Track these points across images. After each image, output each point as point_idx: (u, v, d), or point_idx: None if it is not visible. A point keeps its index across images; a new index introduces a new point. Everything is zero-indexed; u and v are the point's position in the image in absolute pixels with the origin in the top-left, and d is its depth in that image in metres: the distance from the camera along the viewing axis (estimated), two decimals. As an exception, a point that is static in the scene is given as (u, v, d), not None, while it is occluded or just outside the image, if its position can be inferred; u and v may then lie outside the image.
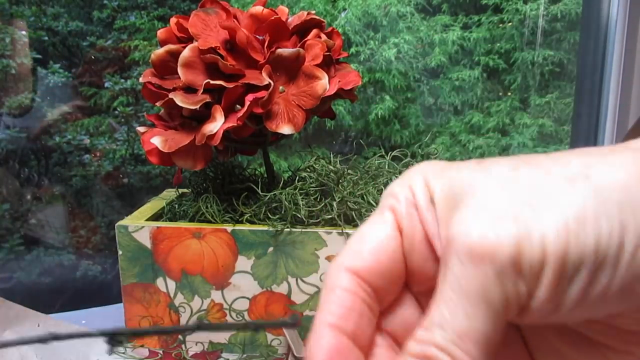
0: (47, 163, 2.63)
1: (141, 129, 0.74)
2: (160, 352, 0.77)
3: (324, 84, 0.71)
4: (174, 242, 0.74)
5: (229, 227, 0.73)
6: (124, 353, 0.76)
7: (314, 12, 0.77)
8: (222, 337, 0.77)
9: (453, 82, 3.09)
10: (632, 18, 1.53)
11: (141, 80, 0.73)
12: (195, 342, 0.78)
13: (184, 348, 0.78)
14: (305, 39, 0.74)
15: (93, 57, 2.82)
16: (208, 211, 0.75)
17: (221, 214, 0.75)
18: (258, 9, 0.73)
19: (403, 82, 3.09)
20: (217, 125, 0.67)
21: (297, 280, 0.73)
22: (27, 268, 2.41)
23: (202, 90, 0.68)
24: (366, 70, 3.09)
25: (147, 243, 0.75)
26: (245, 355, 0.77)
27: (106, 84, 2.78)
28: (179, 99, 0.67)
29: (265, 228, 0.73)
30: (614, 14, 1.60)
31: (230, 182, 0.80)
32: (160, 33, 0.73)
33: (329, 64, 0.75)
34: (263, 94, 0.68)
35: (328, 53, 0.74)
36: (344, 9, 3.11)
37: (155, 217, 0.80)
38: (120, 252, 0.75)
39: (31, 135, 2.54)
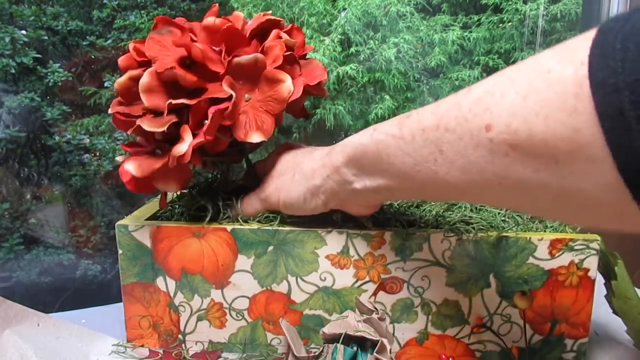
0: (47, 163, 2.63)
1: (120, 158, 0.74)
2: (161, 351, 0.77)
3: (288, 86, 0.70)
4: (174, 241, 0.74)
5: (229, 226, 0.73)
6: (124, 353, 0.76)
7: (269, 12, 0.76)
8: (221, 336, 0.77)
9: (453, 82, 3.09)
10: (632, 18, 1.53)
11: (110, 111, 0.73)
12: (195, 342, 0.78)
13: (184, 347, 0.78)
14: (265, 42, 0.74)
15: (93, 57, 2.82)
16: (206, 209, 0.75)
17: (220, 214, 0.76)
18: (210, 20, 0.71)
19: (403, 81, 3.09)
20: (185, 145, 0.66)
21: (297, 279, 0.73)
22: (26, 267, 2.41)
23: (167, 112, 0.68)
24: (366, 70, 3.09)
25: (147, 242, 0.75)
26: (245, 355, 0.77)
27: (106, 84, 2.78)
28: (146, 124, 0.67)
29: (265, 227, 0.73)
30: (614, 14, 1.60)
31: (226, 182, 0.80)
32: (121, 61, 0.72)
33: (292, 62, 0.75)
34: (226, 105, 0.67)
35: (290, 52, 0.74)
36: (344, 9, 3.11)
37: (155, 217, 0.79)
38: (120, 252, 0.75)
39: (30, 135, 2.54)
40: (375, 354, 0.61)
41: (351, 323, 0.64)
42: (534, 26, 3.02)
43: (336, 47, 3.07)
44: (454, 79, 3.09)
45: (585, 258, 0.69)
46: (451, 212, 0.75)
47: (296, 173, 0.70)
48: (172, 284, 0.76)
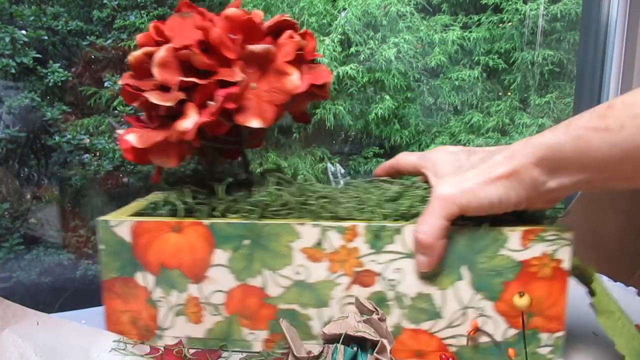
0: (47, 163, 2.64)
1: (120, 131, 0.74)
2: (162, 348, 0.77)
3: (294, 80, 0.71)
4: (153, 236, 0.74)
5: (207, 221, 0.73)
6: (124, 350, 0.76)
7: (288, 15, 0.77)
8: (198, 331, 0.77)
9: (453, 82, 3.09)
10: (632, 18, 1.53)
11: (119, 82, 0.73)
12: (173, 337, 0.77)
13: (184, 346, 0.78)
14: (278, 40, 0.75)
15: (93, 57, 2.83)
16: (181, 201, 0.75)
17: (197, 207, 0.75)
18: (232, 10, 0.73)
19: (403, 81, 3.09)
20: (190, 121, 0.67)
21: (272, 273, 0.73)
22: (26, 267, 2.42)
23: (176, 89, 0.69)
24: (366, 70, 3.09)
25: (128, 237, 0.74)
26: (244, 355, 0.76)
27: (106, 84, 2.79)
28: (154, 97, 0.68)
29: (243, 221, 0.73)
30: (614, 14, 1.59)
31: (211, 178, 0.80)
32: (140, 37, 0.73)
33: (300, 62, 0.76)
34: (235, 89, 0.68)
35: (300, 52, 0.75)
36: (344, 9, 3.12)
37: (137, 214, 0.79)
38: (101, 247, 0.75)
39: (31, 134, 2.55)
40: (375, 354, 0.61)
41: (351, 323, 0.64)
42: (534, 26, 3.02)
43: (336, 47, 3.08)
44: (454, 79, 3.10)
45: (557, 249, 0.68)
46: (423, 205, 0.75)
47: (478, 180, 0.66)
48: (151, 279, 0.75)
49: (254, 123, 0.70)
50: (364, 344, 0.62)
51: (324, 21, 3.13)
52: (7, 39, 2.55)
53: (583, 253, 1.05)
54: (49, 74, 2.68)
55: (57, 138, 2.62)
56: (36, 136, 2.64)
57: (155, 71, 0.69)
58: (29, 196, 2.64)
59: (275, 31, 0.76)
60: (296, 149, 3.10)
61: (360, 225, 0.71)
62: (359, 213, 0.73)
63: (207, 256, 0.74)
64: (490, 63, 3.07)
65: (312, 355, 0.64)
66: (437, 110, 3.19)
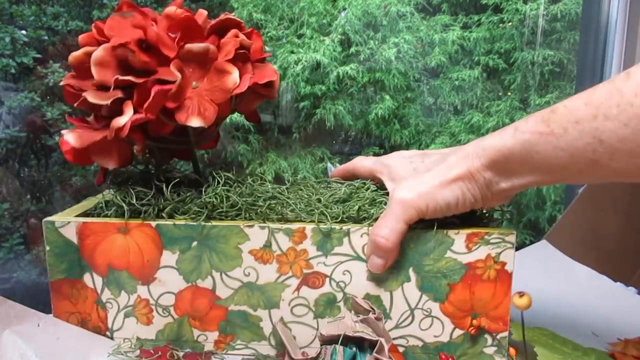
0: (47, 163, 2.64)
1: (65, 132, 0.74)
2: (158, 354, 0.77)
3: (234, 78, 0.71)
4: (100, 237, 0.74)
5: (153, 222, 0.73)
6: (122, 355, 0.76)
7: (232, 13, 0.77)
8: (149, 333, 0.77)
9: (453, 81, 3.08)
10: (632, 18, 1.53)
11: (61, 83, 0.73)
12: (123, 339, 0.77)
13: (175, 347, 0.78)
14: (222, 39, 0.75)
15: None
16: (125, 202, 0.75)
17: (144, 207, 0.75)
18: (171, 9, 0.73)
19: (403, 81, 3.08)
20: (125, 117, 0.67)
21: (221, 274, 0.73)
22: (26, 267, 2.42)
23: (113, 87, 0.68)
24: (366, 70, 3.09)
25: (74, 239, 0.75)
26: (241, 359, 0.77)
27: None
28: (91, 96, 0.68)
29: (190, 222, 0.73)
30: (614, 14, 1.59)
31: (159, 178, 0.80)
32: (82, 38, 0.73)
33: (244, 61, 0.75)
34: (170, 86, 0.68)
35: (243, 51, 0.75)
36: (344, 9, 3.11)
37: (85, 214, 0.79)
38: (47, 248, 0.76)
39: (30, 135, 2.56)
40: (374, 354, 0.61)
41: (348, 324, 0.65)
42: (534, 26, 3.01)
43: (336, 47, 3.07)
44: (454, 79, 3.09)
45: (502, 251, 0.68)
46: (372, 207, 0.74)
47: (433, 184, 0.67)
48: (99, 280, 0.76)
49: (195, 122, 0.69)
50: (361, 344, 0.63)
51: (324, 21, 3.13)
52: (7, 39, 2.56)
53: (583, 253, 1.05)
54: (48, 74, 2.68)
55: (57, 138, 2.63)
56: (36, 136, 2.65)
57: (94, 70, 0.68)
58: (29, 196, 2.65)
59: (220, 30, 0.76)
60: (296, 149, 3.10)
61: (309, 228, 0.71)
62: (307, 215, 0.73)
63: (156, 258, 0.74)
64: (490, 63, 3.05)
65: (310, 357, 0.65)
66: (437, 110, 3.19)
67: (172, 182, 0.76)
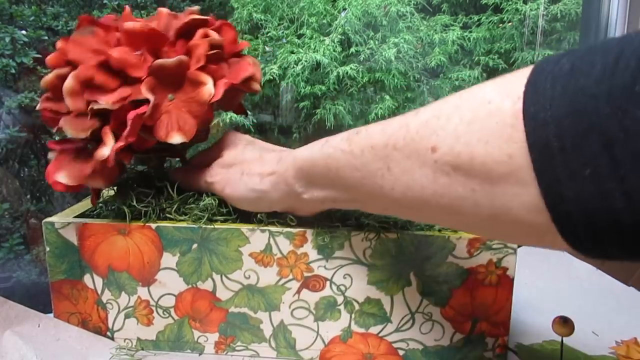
0: (47, 163, 2.63)
1: (51, 156, 0.74)
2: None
3: (209, 89, 0.69)
4: (100, 238, 0.74)
5: (154, 224, 0.73)
6: (123, 355, 0.76)
7: (197, 9, 0.76)
8: (149, 333, 0.77)
9: (453, 82, 3.08)
10: (632, 18, 1.52)
11: (38, 107, 0.73)
12: (124, 339, 0.78)
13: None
14: (190, 41, 0.74)
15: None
16: (126, 204, 0.75)
17: (145, 208, 0.75)
18: (129, 24, 0.70)
19: (403, 82, 3.08)
20: (107, 148, 0.66)
21: (221, 276, 0.73)
22: (26, 268, 2.42)
23: (90, 116, 0.68)
24: (366, 70, 3.09)
25: (74, 240, 0.75)
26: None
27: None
28: (68, 129, 0.68)
29: (190, 225, 0.73)
30: (614, 14, 1.59)
31: (160, 179, 0.80)
32: (49, 60, 0.72)
33: (218, 61, 0.74)
34: (144, 109, 0.67)
35: (216, 51, 0.73)
36: (344, 9, 3.11)
37: (85, 215, 0.80)
38: (47, 249, 0.76)
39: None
40: None
41: None
42: (534, 26, 3.01)
43: (336, 47, 3.07)
44: (454, 79, 3.09)
45: (503, 257, 0.68)
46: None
47: (245, 173, 0.70)
48: (99, 281, 0.76)
49: (176, 138, 0.69)
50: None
51: (324, 21, 3.13)
52: (7, 39, 2.55)
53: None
54: (49, 74, 2.68)
55: (56, 138, 2.62)
56: (36, 136, 2.65)
57: (67, 101, 0.68)
58: (29, 196, 2.64)
59: (187, 32, 0.75)
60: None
61: (309, 231, 0.71)
62: (308, 218, 0.73)
63: (156, 259, 0.74)
64: (491, 63, 3.06)
65: None
66: (437, 110, 3.19)
67: (177, 183, 0.76)
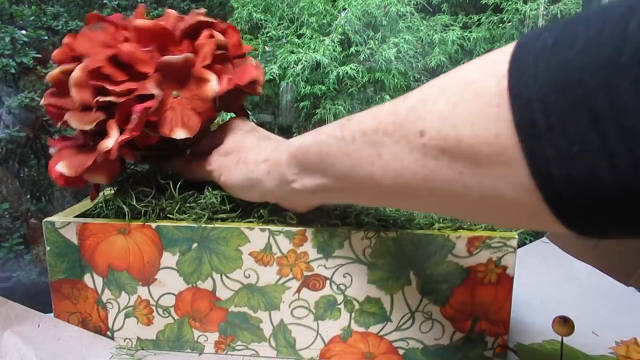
0: (47, 163, 2.63)
1: (52, 151, 0.74)
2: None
3: (213, 86, 0.71)
4: (100, 238, 0.74)
5: (154, 223, 0.73)
6: (123, 355, 0.76)
7: (203, 11, 0.77)
8: (149, 333, 0.77)
9: (453, 82, 3.07)
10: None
11: (42, 103, 0.73)
12: (124, 339, 0.78)
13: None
14: (196, 41, 0.74)
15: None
16: (125, 204, 0.75)
17: (145, 208, 0.75)
18: (140, 22, 0.72)
19: (403, 81, 3.08)
20: (111, 140, 0.67)
21: (221, 276, 0.73)
22: (27, 268, 2.42)
23: (95, 109, 0.68)
24: (366, 70, 3.08)
25: (74, 239, 0.75)
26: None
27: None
28: (73, 121, 0.68)
29: (190, 224, 0.73)
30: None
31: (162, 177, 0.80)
32: (55, 55, 0.72)
33: (223, 62, 0.75)
34: (151, 103, 0.68)
35: (221, 51, 0.74)
36: (344, 9, 3.11)
37: (85, 214, 0.80)
38: (47, 248, 0.76)
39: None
40: None
41: None
42: (534, 26, 3.00)
43: (336, 47, 3.07)
44: (454, 79, 3.08)
45: (503, 256, 0.69)
46: (372, 211, 0.74)
47: (240, 160, 0.71)
48: (99, 280, 0.76)
49: (180, 134, 0.69)
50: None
51: (324, 21, 3.12)
52: (7, 39, 2.55)
53: (584, 252, 1.05)
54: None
55: (56, 137, 2.62)
56: (36, 136, 2.64)
57: (73, 92, 0.68)
58: (29, 196, 2.64)
59: (192, 33, 0.75)
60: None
61: (309, 230, 0.71)
62: (308, 217, 0.73)
63: (156, 259, 0.74)
64: (491, 63, 3.05)
65: None
66: (437, 110, 3.18)
67: (180, 182, 0.76)
